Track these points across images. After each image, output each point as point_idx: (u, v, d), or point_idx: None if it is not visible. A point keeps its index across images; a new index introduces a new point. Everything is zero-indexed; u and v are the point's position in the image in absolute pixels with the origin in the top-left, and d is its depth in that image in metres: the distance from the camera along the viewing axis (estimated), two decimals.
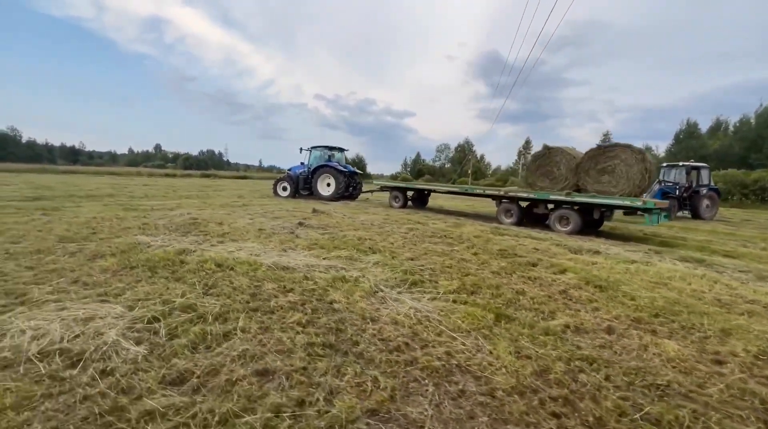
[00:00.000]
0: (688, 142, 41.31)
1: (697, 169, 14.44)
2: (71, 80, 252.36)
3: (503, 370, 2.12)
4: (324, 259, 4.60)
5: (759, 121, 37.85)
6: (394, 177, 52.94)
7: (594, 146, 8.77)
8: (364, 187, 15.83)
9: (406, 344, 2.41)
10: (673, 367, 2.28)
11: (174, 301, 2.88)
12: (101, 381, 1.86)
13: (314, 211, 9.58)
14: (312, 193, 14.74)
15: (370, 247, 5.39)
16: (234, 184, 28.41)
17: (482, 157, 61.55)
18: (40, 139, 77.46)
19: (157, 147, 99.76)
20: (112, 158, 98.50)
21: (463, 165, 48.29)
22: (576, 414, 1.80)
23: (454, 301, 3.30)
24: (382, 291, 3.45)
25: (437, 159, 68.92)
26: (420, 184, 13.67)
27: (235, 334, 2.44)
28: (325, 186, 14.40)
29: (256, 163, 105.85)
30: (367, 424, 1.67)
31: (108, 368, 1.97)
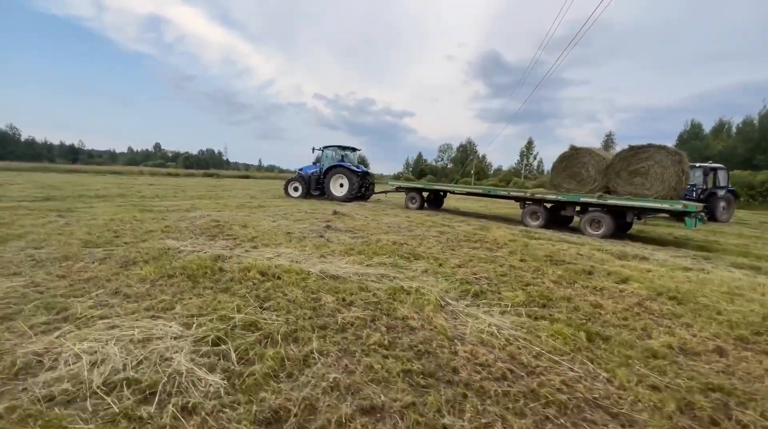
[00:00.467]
0: (693, 143, 41.11)
1: (715, 170, 14.21)
2: (71, 79, 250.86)
3: (639, 405, 1.84)
4: (367, 265, 4.32)
5: (763, 123, 37.58)
6: (396, 177, 52.63)
7: (626, 147, 8.50)
8: (377, 188, 15.55)
9: (510, 371, 2.13)
10: None
11: (233, 318, 2.59)
12: (186, 423, 1.57)
13: (335, 212, 9.28)
14: (323, 194, 14.42)
15: (410, 252, 5.11)
16: (239, 183, 28.05)
17: (484, 157, 61.28)
18: (39, 138, 76.70)
19: (157, 146, 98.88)
20: (111, 157, 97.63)
21: (465, 165, 47.98)
22: None
23: (528, 316, 3.03)
24: (449, 304, 3.17)
25: (440, 159, 68.64)
26: (437, 185, 13.38)
27: (314, 358, 2.16)
28: (338, 186, 14.09)
29: (256, 163, 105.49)
30: None
31: (189, 405, 1.68)
